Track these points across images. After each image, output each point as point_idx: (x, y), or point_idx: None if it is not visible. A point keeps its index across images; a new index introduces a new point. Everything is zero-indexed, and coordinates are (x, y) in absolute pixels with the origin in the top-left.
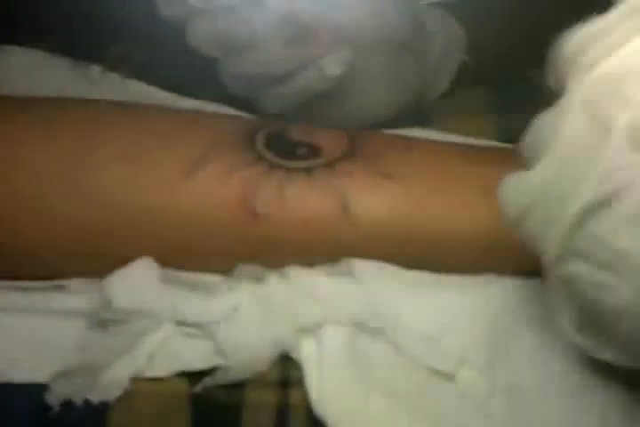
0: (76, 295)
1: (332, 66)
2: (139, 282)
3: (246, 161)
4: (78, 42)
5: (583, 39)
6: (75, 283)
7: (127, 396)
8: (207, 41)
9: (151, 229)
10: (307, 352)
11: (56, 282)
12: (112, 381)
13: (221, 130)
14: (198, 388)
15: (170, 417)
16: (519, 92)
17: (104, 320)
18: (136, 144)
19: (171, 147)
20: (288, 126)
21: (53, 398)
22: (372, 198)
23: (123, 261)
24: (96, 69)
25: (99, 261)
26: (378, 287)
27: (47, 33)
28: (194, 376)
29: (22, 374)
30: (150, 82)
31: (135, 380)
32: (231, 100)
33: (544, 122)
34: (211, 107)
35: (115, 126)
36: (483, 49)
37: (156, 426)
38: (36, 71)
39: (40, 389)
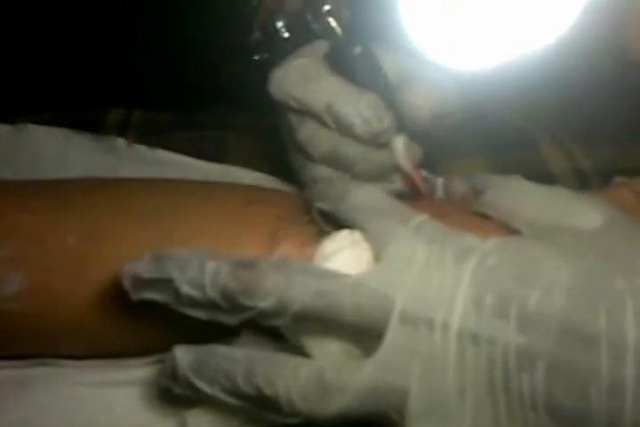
0: None
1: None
2: None
3: (317, 234)
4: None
5: None
6: None
7: None
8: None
9: None
10: None
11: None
12: None
13: (281, 205)
14: None
15: None
16: None
17: None
18: (208, 229)
19: (244, 228)
20: None
21: None
22: None
23: None
24: (120, 142)
25: None
26: None
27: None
28: None
29: None
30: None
31: None
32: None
33: None
34: (237, 171)
35: (187, 210)
36: None
37: None
38: (60, 150)
39: None
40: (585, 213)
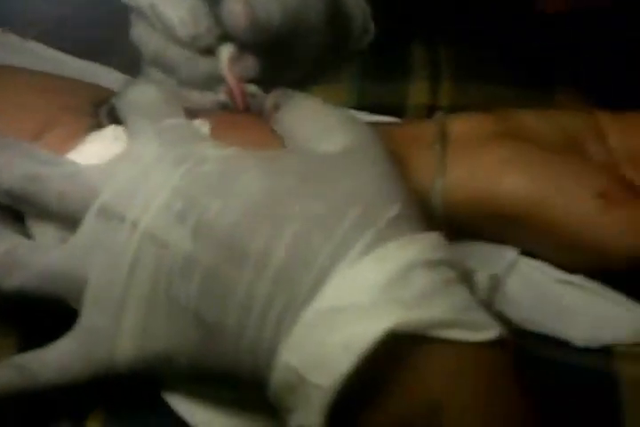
0: None
1: None
2: None
3: (89, 127)
4: None
5: None
6: None
7: None
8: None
9: None
10: None
11: None
12: None
13: (77, 95)
14: None
15: None
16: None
17: None
18: None
19: (24, 114)
20: None
21: None
22: None
23: None
24: None
25: None
26: None
27: None
28: None
29: None
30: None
31: None
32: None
33: None
34: (102, 70)
35: None
36: None
37: None
38: None
39: None
40: (335, 137)
